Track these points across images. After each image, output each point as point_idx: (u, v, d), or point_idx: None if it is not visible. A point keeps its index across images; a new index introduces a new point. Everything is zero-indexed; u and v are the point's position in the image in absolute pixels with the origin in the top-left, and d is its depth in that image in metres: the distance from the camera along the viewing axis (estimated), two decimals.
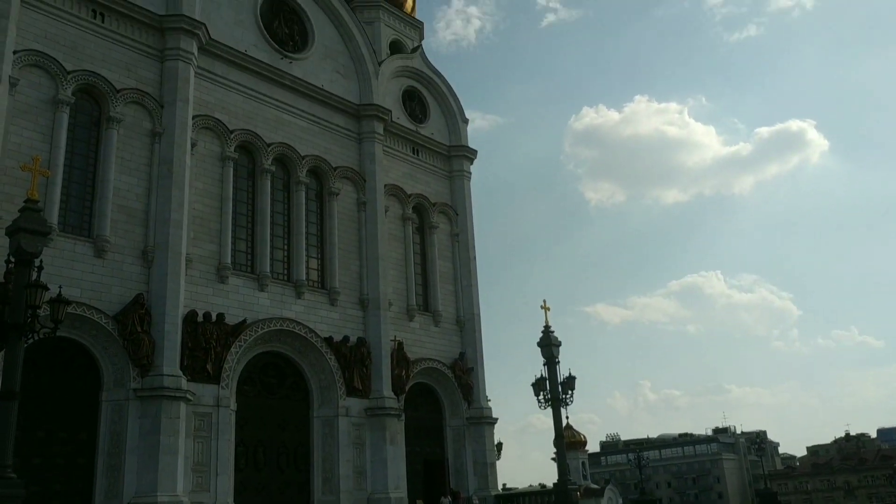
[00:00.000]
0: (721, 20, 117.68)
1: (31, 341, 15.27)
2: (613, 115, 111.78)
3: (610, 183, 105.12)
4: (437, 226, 38.37)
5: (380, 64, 37.56)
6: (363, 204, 34.64)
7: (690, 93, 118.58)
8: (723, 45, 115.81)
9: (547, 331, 26.58)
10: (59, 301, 15.69)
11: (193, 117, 28.76)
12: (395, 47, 44.25)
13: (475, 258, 39.36)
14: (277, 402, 29.97)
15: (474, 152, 41.17)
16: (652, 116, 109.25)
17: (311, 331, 30.74)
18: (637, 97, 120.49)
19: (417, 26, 46.17)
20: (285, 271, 31.30)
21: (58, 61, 25.69)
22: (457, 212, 39.44)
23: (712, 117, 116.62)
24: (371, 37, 39.37)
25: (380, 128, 36.09)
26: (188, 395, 25.49)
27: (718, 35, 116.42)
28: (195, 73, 29.29)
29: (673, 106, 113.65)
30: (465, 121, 41.74)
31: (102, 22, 27.42)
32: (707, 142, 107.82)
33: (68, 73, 25.81)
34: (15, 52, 24.46)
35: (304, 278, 31.38)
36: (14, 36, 24.52)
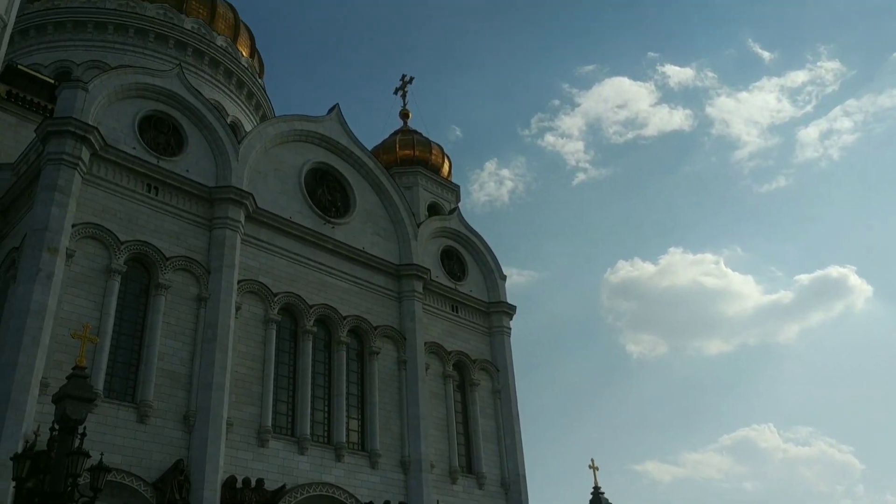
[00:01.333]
0: (749, 173, 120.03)
1: None
2: (649, 268, 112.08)
3: (651, 335, 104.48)
4: (479, 383, 37.92)
5: (419, 226, 38.75)
6: (404, 362, 34.59)
7: (725, 243, 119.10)
8: (753, 196, 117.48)
9: (597, 492, 25.52)
10: (100, 468, 15.64)
11: (239, 282, 29.62)
12: (434, 209, 45.75)
13: (518, 416, 38.50)
14: None
15: (513, 308, 41.32)
16: (688, 268, 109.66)
17: (352, 496, 29.82)
18: (671, 249, 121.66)
19: (454, 189, 47.90)
20: (325, 433, 30.88)
21: (113, 232, 27.03)
22: (498, 368, 39.07)
23: (750, 266, 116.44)
24: (410, 200, 40.89)
25: (419, 286, 36.67)
26: None
27: (748, 187, 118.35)
28: (242, 239, 30.49)
29: (708, 257, 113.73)
30: (503, 277, 42.25)
31: (156, 195, 29.04)
32: (746, 291, 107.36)
33: (122, 243, 27.07)
34: (73, 226, 25.85)
35: (345, 440, 30.88)
36: (74, 210, 26.01)
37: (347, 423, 31.63)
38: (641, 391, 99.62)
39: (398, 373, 34.43)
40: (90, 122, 27.44)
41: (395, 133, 51.36)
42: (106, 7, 50.28)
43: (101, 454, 16.69)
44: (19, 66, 39.43)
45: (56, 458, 15.34)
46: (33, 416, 22.19)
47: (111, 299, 26.16)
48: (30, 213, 26.47)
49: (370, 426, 32.24)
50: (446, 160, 50.73)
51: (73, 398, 15.78)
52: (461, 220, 42.30)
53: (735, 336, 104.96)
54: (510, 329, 40.82)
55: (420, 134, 51.58)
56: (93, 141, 27.26)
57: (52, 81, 38.82)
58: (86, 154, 27.04)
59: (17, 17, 38.71)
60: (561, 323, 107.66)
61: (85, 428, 15.74)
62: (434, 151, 50.11)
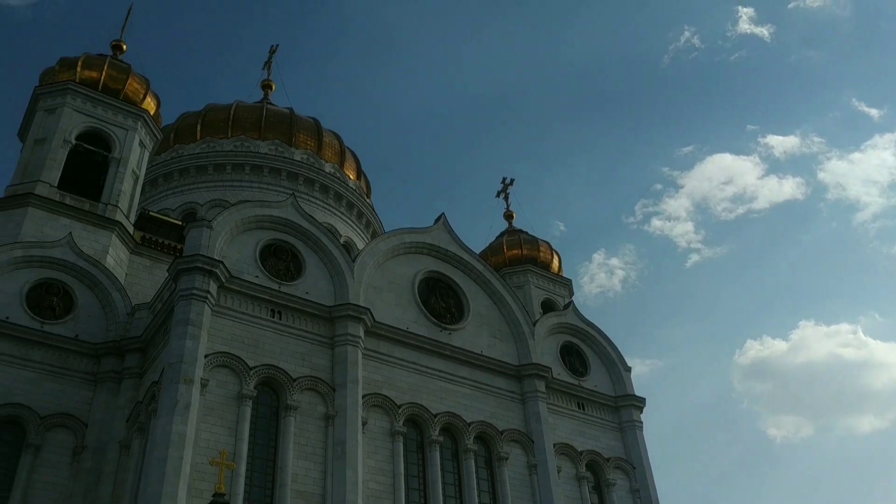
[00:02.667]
0: (876, 234, 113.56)
1: None
2: (780, 345, 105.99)
3: (793, 416, 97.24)
4: (615, 483, 36.23)
5: (534, 324, 38.42)
6: (534, 466, 33.60)
7: (861, 310, 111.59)
8: (883, 257, 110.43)
9: None
10: None
11: (363, 396, 29.98)
12: (547, 306, 45.42)
13: None
14: None
15: (642, 400, 39.75)
16: (823, 341, 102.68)
17: None
18: (802, 323, 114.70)
19: (566, 283, 47.53)
20: None
21: (242, 359, 28.15)
22: (634, 465, 37.30)
23: (892, 333, 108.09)
24: (523, 299, 40.81)
25: (541, 386, 35.98)
26: None
27: (876, 249, 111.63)
28: (363, 354, 31.06)
29: (844, 327, 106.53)
30: (628, 369, 40.94)
31: (280, 319, 30.22)
32: (893, 360, 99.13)
33: (251, 368, 28.11)
34: (206, 356, 27.12)
35: None
36: (206, 341, 27.36)
37: None
38: (791, 477, 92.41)
39: (529, 478, 33.42)
40: (216, 257, 29.20)
41: (502, 234, 51.94)
42: (223, 150, 54.30)
43: None
44: (151, 213, 42.81)
45: None
46: None
47: (244, 424, 26.96)
48: (166, 347, 28.02)
49: None
50: (555, 256, 50.66)
51: None
52: (577, 313, 41.67)
53: (888, 410, 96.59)
54: (642, 423, 39.15)
55: (526, 233, 51.95)
56: (219, 274, 28.90)
57: (180, 223, 41.80)
58: (213, 287, 28.65)
59: (146, 168, 42.47)
60: (692, 412, 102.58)
61: None
62: (542, 248, 50.24)
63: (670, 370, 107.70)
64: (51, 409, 29.71)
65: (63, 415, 29.85)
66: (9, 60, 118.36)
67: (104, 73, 41.15)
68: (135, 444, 28.39)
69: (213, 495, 17.11)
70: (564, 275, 50.37)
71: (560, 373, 38.09)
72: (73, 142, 38.63)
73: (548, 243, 51.30)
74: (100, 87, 40.66)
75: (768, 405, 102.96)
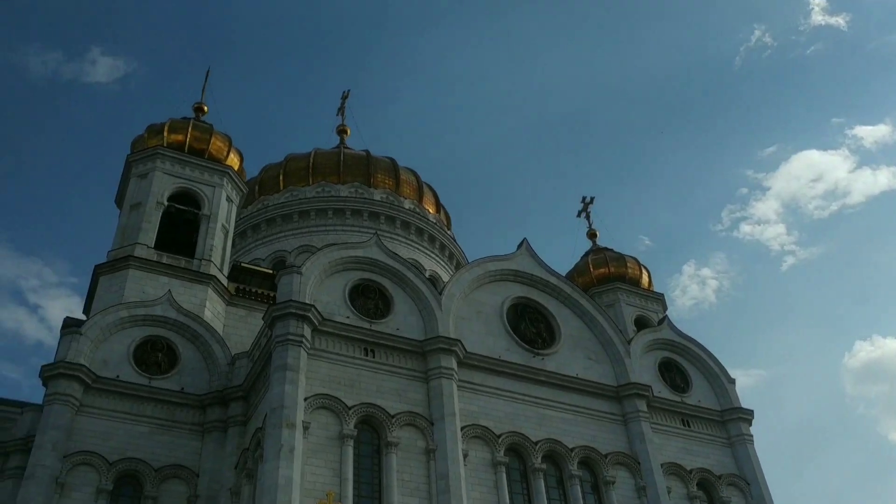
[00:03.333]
0: None
1: None
2: (893, 344, 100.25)
3: None
4: (730, 500, 34.77)
5: (629, 342, 37.59)
6: (642, 488, 32.62)
7: None
8: None
9: None
10: None
11: (462, 428, 29.86)
12: (641, 322, 44.46)
13: None
14: None
15: (750, 413, 38.16)
16: None
17: None
18: None
19: (658, 298, 46.42)
20: None
21: (340, 399, 28.53)
22: (748, 481, 35.74)
23: None
24: (615, 318, 40.03)
25: (643, 405, 35.05)
26: None
27: None
28: (458, 386, 31.01)
29: None
30: (731, 381, 39.47)
31: (373, 357, 30.55)
32: None
33: (349, 408, 28.44)
34: (305, 399, 27.63)
35: None
36: (304, 385, 27.90)
37: None
38: None
39: (639, 500, 32.44)
40: (307, 301, 29.86)
41: (587, 254, 51.28)
42: (306, 197, 55.88)
43: None
44: (243, 265, 44.28)
45: None
46: None
47: (348, 464, 27.21)
48: (267, 393, 28.69)
49: None
50: (644, 271, 49.64)
51: None
52: (673, 328, 40.55)
53: None
54: (752, 436, 37.57)
55: (611, 250, 51.15)
56: (312, 318, 29.53)
57: (271, 272, 43.03)
58: (307, 330, 29.26)
59: (235, 222, 44.06)
60: (804, 421, 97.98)
61: None
62: (629, 265, 49.33)
63: (776, 380, 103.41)
64: (164, 462, 30.80)
65: (175, 466, 30.89)
66: (102, 133, 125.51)
67: (189, 136, 43.12)
68: (244, 490, 29.06)
69: None
70: (655, 290, 49.23)
71: (661, 390, 37.04)
72: (166, 203, 40.47)
73: (635, 259, 50.33)
74: (186, 148, 42.61)
75: (886, 408, 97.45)
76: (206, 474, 30.90)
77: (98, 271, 37.63)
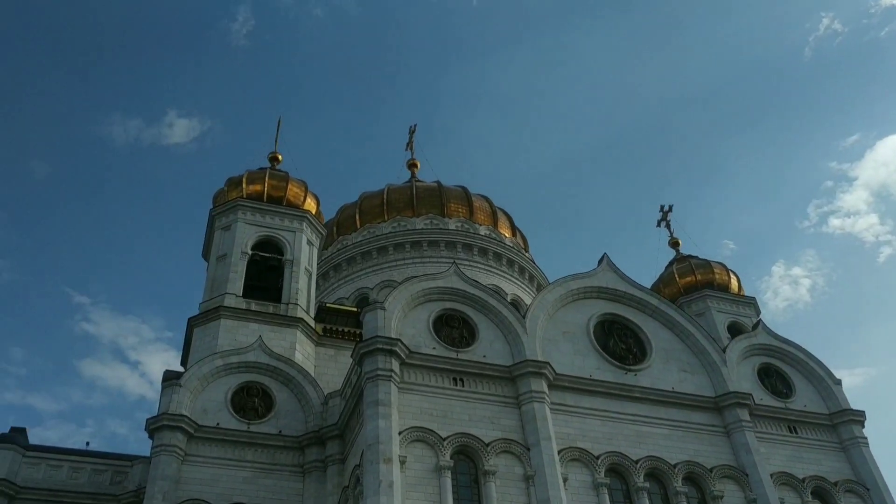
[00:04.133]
0: None
1: None
2: None
3: None
4: None
5: (724, 350, 36.42)
6: (753, 501, 31.30)
7: None
8: None
9: None
10: None
11: (559, 452, 29.43)
12: (734, 329, 43.13)
13: None
14: None
15: (861, 413, 36.29)
16: None
17: None
18: None
19: (749, 302, 44.95)
20: None
21: (434, 431, 28.55)
22: (866, 487, 33.89)
23: None
24: (706, 327, 38.89)
25: (745, 414, 33.80)
26: None
27: None
28: (550, 409, 30.62)
29: None
30: (837, 382, 37.69)
31: (463, 386, 30.53)
32: None
33: (444, 439, 28.43)
34: (400, 433, 27.78)
35: None
36: (397, 419, 28.06)
37: None
38: None
39: None
40: (393, 336, 30.15)
41: (671, 264, 50.23)
42: (382, 233, 56.72)
43: None
44: (328, 305, 45.12)
45: None
46: None
47: (447, 496, 27.12)
48: (361, 430, 29.01)
49: None
50: (732, 276, 48.29)
51: None
52: (768, 331, 39.10)
53: None
54: (866, 439, 35.68)
55: (696, 257, 50.00)
56: (398, 351, 29.78)
57: (355, 309, 43.69)
58: (396, 365, 29.50)
59: (317, 264, 45.05)
60: None
61: None
62: (717, 271, 48.10)
63: (885, 376, 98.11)
64: None
65: None
66: (184, 191, 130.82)
67: (266, 185, 44.50)
68: None
69: None
70: (746, 294, 47.69)
71: (762, 398, 35.66)
72: (250, 252, 41.75)
73: (721, 264, 48.97)
74: (265, 198, 43.97)
75: None
76: None
77: (192, 323, 39.00)
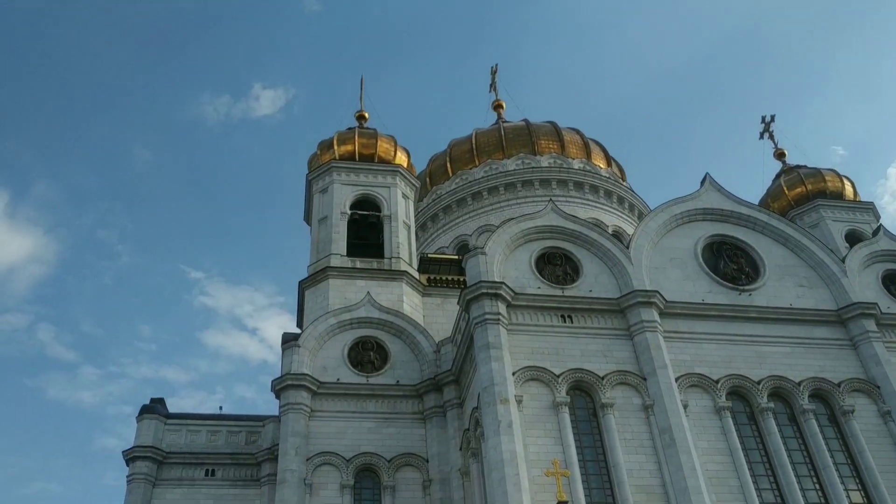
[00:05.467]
0: None
1: None
2: None
3: None
4: None
5: (843, 261, 34.75)
6: (887, 413, 30.09)
7: None
8: None
9: None
10: None
11: (676, 379, 29.10)
12: (852, 238, 41.17)
13: None
14: None
15: None
16: None
17: None
18: None
19: (867, 208, 42.70)
20: None
21: (547, 369, 28.74)
22: None
23: None
24: (822, 238, 37.16)
25: (871, 325, 32.31)
26: None
27: None
28: (663, 338, 30.19)
29: None
30: None
31: (572, 322, 30.47)
32: None
33: (558, 376, 28.59)
34: (513, 374, 28.09)
35: None
36: (510, 360, 28.36)
37: (848, 496, 28.04)
38: None
39: (885, 426, 29.99)
40: (497, 279, 30.29)
41: (778, 176, 48.19)
42: (475, 179, 56.58)
43: None
44: (429, 256, 45.76)
45: None
46: None
47: (567, 431, 27.40)
48: (476, 374, 29.52)
49: (877, 495, 28.14)
50: (845, 182, 45.91)
51: None
52: (891, 237, 36.96)
53: None
54: None
55: (804, 167, 47.78)
56: (504, 294, 29.93)
57: (457, 257, 44.12)
58: (502, 307, 29.70)
59: (414, 216, 45.58)
60: None
61: None
62: (828, 178, 45.83)
63: None
64: (395, 452, 32.69)
65: (406, 455, 32.66)
66: (279, 160, 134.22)
67: (357, 144, 45.10)
68: (472, 468, 30.11)
69: (557, 503, 17.53)
70: (862, 199, 45.21)
71: (889, 306, 33.92)
72: (349, 212, 42.62)
73: (833, 171, 46.55)
74: (356, 157, 44.61)
75: None
76: (435, 458, 32.39)
77: (302, 286, 40.38)
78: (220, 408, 77.16)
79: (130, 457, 36.54)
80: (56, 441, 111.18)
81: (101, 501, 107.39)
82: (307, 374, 33.84)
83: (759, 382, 30.07)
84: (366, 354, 35.66)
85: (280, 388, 33.63)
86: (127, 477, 36.18)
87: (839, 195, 44.81)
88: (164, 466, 36.62)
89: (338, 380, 34.48)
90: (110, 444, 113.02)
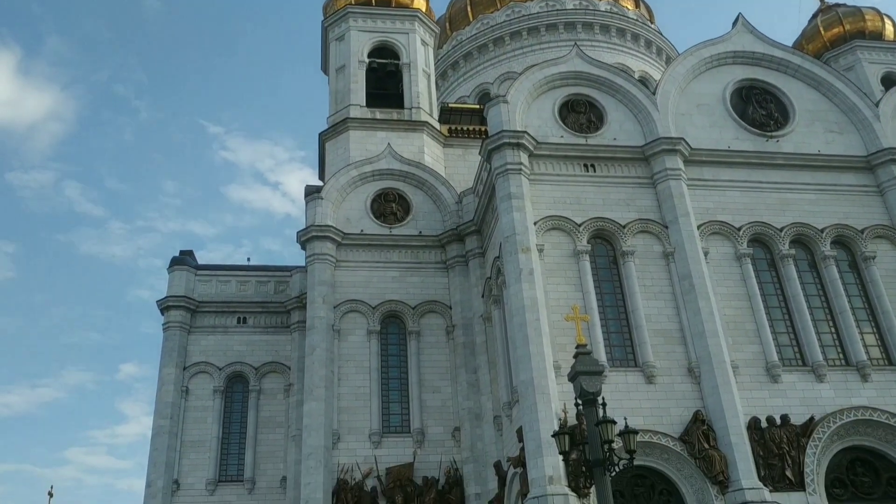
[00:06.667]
0: None
1: (613, 474, 16.35)
2: None
3: None
4: None
5: (877, 105, 33.62)
6: None
7: None
8: None
9: None
10: (628, 432, 16.65)
11: (698, 227, 29.14)
12: (889, 81, 39.64)
13: None
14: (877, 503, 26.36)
15: None
16: None
17: (894, 415, 26.89)
18: None
19: None
20: (841, 355, 28.43)
21: (569, 218, 28.86)
22: None
23: None
24: (857, 81, 35.80)
25: None
26: None
27: None
28: (687, 185, 29.96)
29: None
30: None
31: (594, 171, 30.23)
32: None
33: (579, 225, 28.74)
34: (535, 223, 28.26)
35: (866, 358, 28.02)
36: (531, 210, 28.45)
37: (863, 339, 28.69)
38: None
39: None
40: (519, 129, 29.81)
41: (814, 16, 45.92)
42: (497, 23, 54.48)
43: (625, 418, 17.72)
44: (450, 105, 44.90)
45: (588, 430, 16.81)
46: (557, 396, 24.67)
47: (587, 278, 27.89)
48: (497, 224, 29.74)
49: (890, 337, 28.74)
50: (886, 21, 43.67)
51: (585, 373, 17.16)
52: None
53: None
54: None
55: (843, 5, 45.31)
56: (526, 144, 29.55)
57: (478, 106, 43.26)
58: (524, 157, 29.43)
59: (434, 64, 44.33)
60: None
61: (603, 398, 16.94)
62: (868, 17, 43.56)
63: None
64: (419, 299, 33.68)
65: (430, 302, 33.67)
66: (293, 8, 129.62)
67: None
68: (494, 314, 30.99)
69: (576, 347, 18.07)
70: None
71: None
72: (367, 60, 41.53)
73: (874, 9, 44.11)
74: (373, 1, 42.86)
75: None
76: (458, 305, 33.32)
77: (323, 138, 40.13)
78: (248, 259, 79.00)
79: (164, 306, 38.05)
80: (93, 293, 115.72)
81: (139, 348, 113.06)
82: (331, 226, 34.30)
83: (781, 230, 30.06)
84: (388, 206, 35.94)
85: (305, 239, 34.21)
86: (163, 325, 37.84)
87: (878, 35, 42.72)
88: (198, 315, 38.18)
89: (361, 231, 34.96)
90: (144, 296, 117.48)
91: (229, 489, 35.14)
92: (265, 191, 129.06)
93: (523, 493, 24.66)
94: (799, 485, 25.13)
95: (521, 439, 25.56)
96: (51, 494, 24.72)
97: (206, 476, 35.07)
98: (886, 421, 26.74)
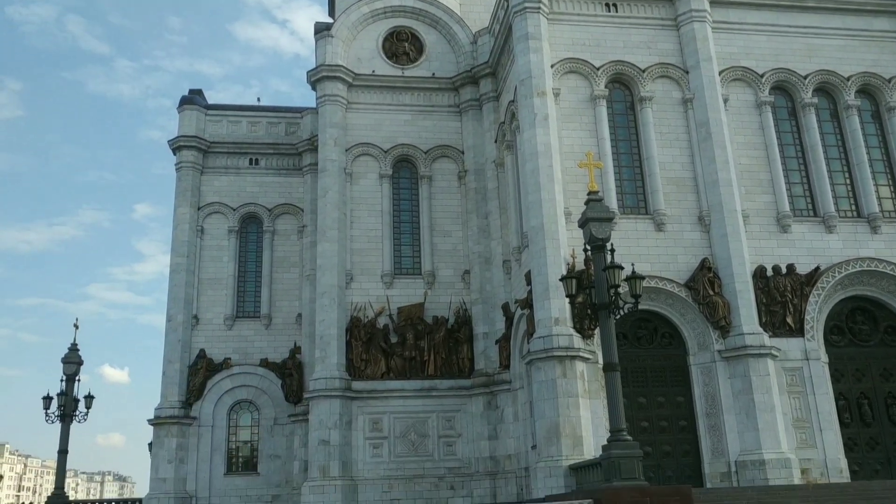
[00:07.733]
0: None
1: (617, 317, 16.85)
2: None
3: None
4: None
5: None
6: None
7: None
8: None
9: None
10: (634, 277, 16.99)
11: (720, 73, 28.27)
12: None
13: None
14: (873, 350, 27.22)
15: None
16: None
17: None
18: None
19: None
20: (853, 207, 28.40)
21: (587, 61, 27.98)
22: None
23: None
24: None
25: None
26: (773, 352, 24.93)
27: None
28: (712, 29, 28.76)
29: None
30: None
31: (616, 12, 28.96)
32: None
33: (598, 68, 27.90)
34: (552, 66, 27.44)
35: (878, 210, 27.96)
36: (548, 51, 27.53)
37: (877, 191, 28.52)
38: None
39: None
40: None
41: None
42: None
43: (633, 264, 18.01)
44: None
45: (595, 274, 17.15)
46: (566, 242, 24.96)
47: (602, 124, 27.44)
48: (513, 66, 28.88)
49: None
50: None
51: (595, 220, 17.28)
52: None
53: None
54: None
55: None
56: None
57: None
58: None
59: None
60: None
61: (612, 244, 17.14)
62: None
63: None
64: (431, 143, 33.42)
65: (442, 146, 33.40)
66: None
67: None
68: (507, 160, 30.80)
69: (588, 194, 18.06)
70: None
71: None
72: None
73: None
74: None
75: None
76: (471, 150, 33.07)
77: None
78: (258, 99, 77.90)
79: (176, 146, 37.92)
80: (103, 133, 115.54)
81: (153, 188, 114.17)
82: (342, 66, 33.44)
83: (805, 77, 29.13)
84: (400, 46, 34.86)
85: (315, 79, 33.47)
86: (175, 165, 37.88)
87: None
88: (210, 155, 38.10)
89: (373, 72, 34.11)
90: (155, 136, 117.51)
91: (247, 324, 36.48)
92: (273, 28, 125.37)
93: (529, 333, 25.56)
94: (798, 331, 25.90)
95: (529, 282, 26.15)
96: (76, 327, 25.82)
97: (224, 311, 36.32)
98: (892, 272, 27.09)
